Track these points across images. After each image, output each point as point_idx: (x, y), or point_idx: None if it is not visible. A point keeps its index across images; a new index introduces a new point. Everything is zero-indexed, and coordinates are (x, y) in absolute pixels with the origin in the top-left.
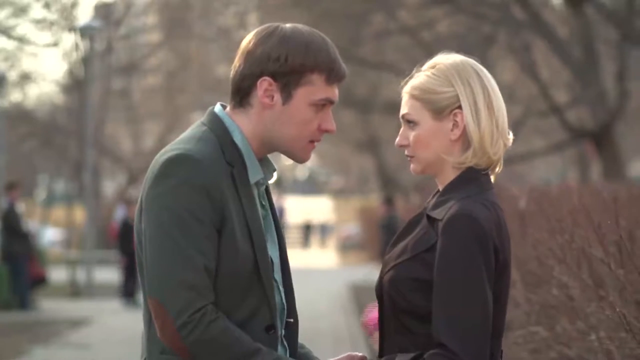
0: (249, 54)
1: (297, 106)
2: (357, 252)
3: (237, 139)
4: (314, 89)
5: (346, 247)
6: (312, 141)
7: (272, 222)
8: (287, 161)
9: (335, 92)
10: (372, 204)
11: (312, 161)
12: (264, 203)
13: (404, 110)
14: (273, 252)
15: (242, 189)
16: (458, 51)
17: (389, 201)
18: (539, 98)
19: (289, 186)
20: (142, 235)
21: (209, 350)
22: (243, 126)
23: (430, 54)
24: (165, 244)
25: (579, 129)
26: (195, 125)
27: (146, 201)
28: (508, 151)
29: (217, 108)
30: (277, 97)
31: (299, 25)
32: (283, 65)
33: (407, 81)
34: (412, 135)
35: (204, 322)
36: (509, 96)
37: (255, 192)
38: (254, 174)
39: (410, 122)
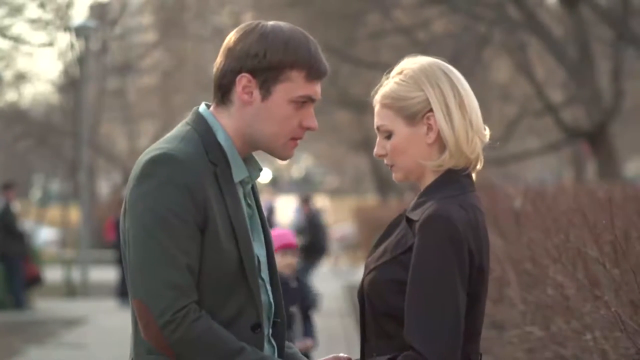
0: (229, 51)
1: (276, 103)
2: (352, 251)
3: (221, 137)
4: (293, 85)
5: (341, 247)
6: (293, 138)
7: (259, 221)
8: (282, 161)
9: (315, 90)
10: (367, 204)
11: (307, 161)
12: (250, 202)
13: (378, 122)
14: (260, 251)
15: (226, 188)
16: (453, 51)
17: (306, 200)
18: (534, 98)
19: (284, 186)
20: (126, 235)
21: (193, 349)
22: (225, 124)
23: (425, 54)
24: (148, 243)
25: (574, 129)
26: (179, 125)
27: (129, 201)
28: (503, 151)
29: (202, 107)
30: (256, 93)
31: (281, 23)
32: (262, 61)
33: (377, 90)
34: (388, 144)
35: (187, 321)
36: (504, 96)
37: (241, 191)
38: (238, 172)
39: (386, 132)
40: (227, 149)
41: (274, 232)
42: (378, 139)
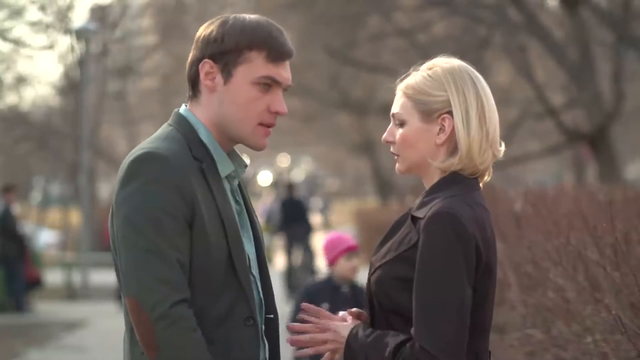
0: (195, 43)
1: (238, 85)
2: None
3: (202, 135)
4: (253, 66)
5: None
6: (261, 124)
7: (247, 219)
8: (283, 164)
9: (280, 72)
10: (368, 207)
11: (308, 164)
12: (238, 199)
13: (394, 108)
14: (249, 249)
15: (214, 183)
16: (454, 53)
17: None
18: (534, 100)
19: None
20: (115, 236)
21: (174, 353)
22: (199, 116)
23: (426, 56)
24: (138, 241)
25: (574, 132)
26: (162, 127)
27: (116, 202)
28: (504, 154)
29: (182, 108)
30: (219, 78)
31: (248, 14)
32: (220, 45)
33: (403, 79)
34: (398, 133)
35: (184, 326)
36: (504, 99)
37: (228, 187)
38: (224, 167)
39: (399, 121)
40: (209, 145)
41: (332, 235)
42: (390, 125)
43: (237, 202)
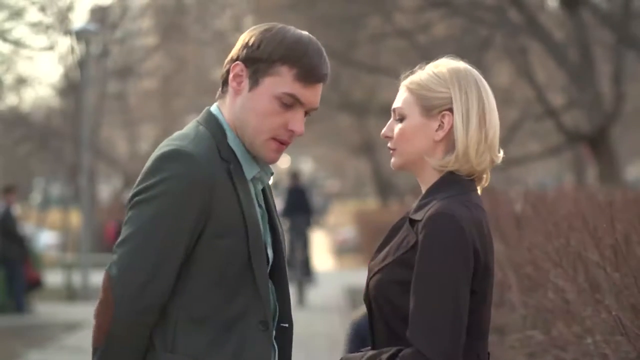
0: (237, 43)
1: (261, 95)
2: (353, 255)
3: (229, 136)
4: (280, 80)
5: (342, 250)
6: (274, 139)
7: (268, 223)
8: (283, 165)
9: (306, 94)
10: (368, 208)
11: (309, 165)
12: (260, 203)
13: (396, 103)
14: (268, 254)
15: (240, 185)
16: (454, 54)
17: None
18: (535, 101)
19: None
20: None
21: (120, 345)
22: (224, 113)
23: (426, 57)
24: (138, 236)
25: (575, 133)
26: (191, 124)
27: (133, 193)
28: (504, 154)
29: (213, 107)
30: (245, 82)
31: (298, 30)
32: (255, 51)
33: (407, 75)
34: (397, 127)
35: (142, 332)
36: (505, 99)
37: (252, 189)
38: (250, 169)
39: (399, 115)
40: (235, 147)
41: None
42: (390, 120)
43: (259, 206)
